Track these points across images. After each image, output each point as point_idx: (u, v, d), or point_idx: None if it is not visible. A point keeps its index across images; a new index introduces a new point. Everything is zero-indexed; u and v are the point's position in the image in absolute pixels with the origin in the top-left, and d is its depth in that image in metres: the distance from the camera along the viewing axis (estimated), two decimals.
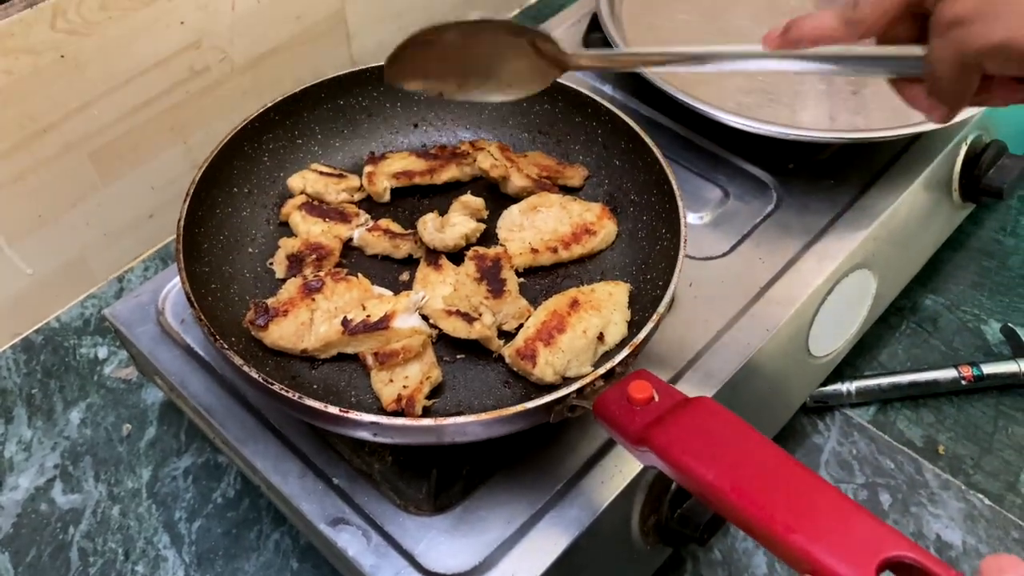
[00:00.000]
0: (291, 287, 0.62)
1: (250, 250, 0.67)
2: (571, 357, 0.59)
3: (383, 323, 0.58)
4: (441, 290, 0.63)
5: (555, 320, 0.60)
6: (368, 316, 0.59)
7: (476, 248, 0.66)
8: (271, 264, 0.66)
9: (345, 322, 0.59)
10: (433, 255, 0.66)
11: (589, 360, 0.60)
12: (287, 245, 0.65)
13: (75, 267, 0.83)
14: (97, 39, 0.73)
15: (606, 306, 0.62)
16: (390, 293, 0.63)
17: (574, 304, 0.62)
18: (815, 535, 0.41)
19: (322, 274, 0.62)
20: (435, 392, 0.59)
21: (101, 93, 0.76)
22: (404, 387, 0.57)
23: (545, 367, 0.58)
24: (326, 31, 0.92)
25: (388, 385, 0.57)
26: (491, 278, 0.64)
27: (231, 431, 0.62)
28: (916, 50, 0.50)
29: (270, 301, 0.61)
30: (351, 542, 0.56)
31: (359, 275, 0.63)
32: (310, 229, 0.66)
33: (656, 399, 0.50)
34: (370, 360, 0.58)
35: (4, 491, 0.73)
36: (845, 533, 0.41)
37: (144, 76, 0.78)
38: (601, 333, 0.61)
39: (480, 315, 0.61)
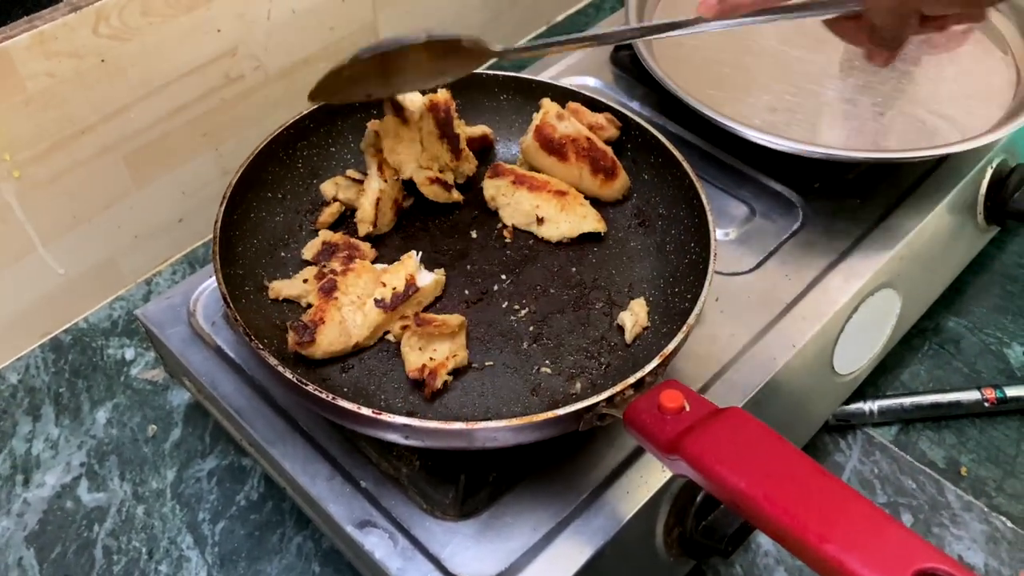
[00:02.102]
0: (313, 299, 0.63)
1: (283, 255, 0.68)
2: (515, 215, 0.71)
3: (411, 288, 0.62)
4: (411, 149, 0.68)
5: (540, 187, 0.70)
6: (395, 288, 0.62)
7: (429, 96, 0.69)
8: (304, 253, 0.68)
9: (379, 303, 0.61)
10: (398, 107, 0.68)
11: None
12: (327, 235, 0.67)
13: (105, 269, 0.85)
14: (137, 44, 0.75)
15: (572, 219, 0.70)
16: (385, 265, 0.65)
17: (561, 194, 0.70)
18: (848, 545, 0.41)
19: (332, 272, 0.63)
20: (458, 374, 0.62)
21: (138, 97, 0.78)
22: (431, 359, 0.59)
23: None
24: (358, 43, 0.93)
25: (417, 353, 0.60)
26: (449, 135, 0.70)
27: (260, 432, 0.63)
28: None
29: (303, 318, 0.61)
30: (378, 545, 0.57)
31: (357, 261, 0.65)
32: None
33: (687, 409, 0.50)
34: (411, 323, 0.60)
35: (31, 488, 0.74)
36: (878, 543, 0.41)
37: (180, 82, 0.80)
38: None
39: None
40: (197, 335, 0.69)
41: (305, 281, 0.64)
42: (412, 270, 0.63)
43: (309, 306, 0.64)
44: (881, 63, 0.56)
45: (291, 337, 0.60)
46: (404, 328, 0.61)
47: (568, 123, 0.70)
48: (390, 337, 0.63)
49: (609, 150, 0.71)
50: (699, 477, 0.47)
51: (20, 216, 0.75)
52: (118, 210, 0.82)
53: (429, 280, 0.63)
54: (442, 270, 0.66)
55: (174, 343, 0.68)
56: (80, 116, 0.75)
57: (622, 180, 0.71)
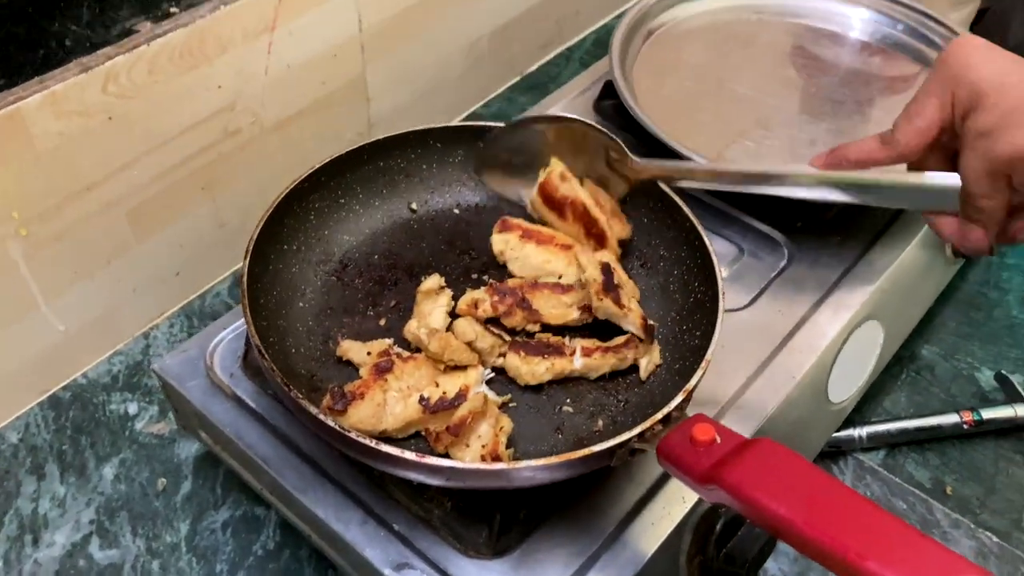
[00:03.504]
0: (364, 371, 0.63)
1: (301, 304, 0.70)
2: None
3: (459, 399, 0.61)
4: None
5: (547, 240, 0.74)
6: (444, 393, 0.61)
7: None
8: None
9: (423, 401, 0.61)
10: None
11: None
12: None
13: (104, 323, 0.84)
14: (143, 102, 0.76)
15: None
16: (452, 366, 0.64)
17: (567, 247, 0.73)
18: (888, 562, 0.44)
19: (398, 355, 0.64)
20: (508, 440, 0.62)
21: (142, 153, 0.78)
22: (483, 446, 0.59)
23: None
24: (347, 95, 0.96)
25: (467, 450, 0.59)
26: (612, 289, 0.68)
27: (289, 480, 0.64)
28: (950, 178, 0.56)
29: (346, 387, 0.62)
30: None
31: (421, 354, 0.65)
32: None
33: (718, 441, 0.53)
34: (445, 438, 0.59)
35: (40, 548, 0.73)
36: (917, 559, 0.44)
37: (182, 137, 0.81)
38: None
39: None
40: (216, 387, 0.69)
41: (368, 354, 0.64)
42: (471, 383, 0.62)
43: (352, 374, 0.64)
44: (976, 243, 0.56)
45: (326, 399, 0.60)
46: (443, 444, 0.60)
47: (568, 185, 0.73)
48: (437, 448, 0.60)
49: (602, 218, 0.72)
50: (738, 504, 0.50)
51: (25, 274, 0.75)
52: (118, 265, 0.82)
53: (477, 397, 0.61)
54: (504, 398, 0.65)
55: (194, 395, 0.69)
56: (86, 173, 0.75)
57: (612, 247, 0.72)
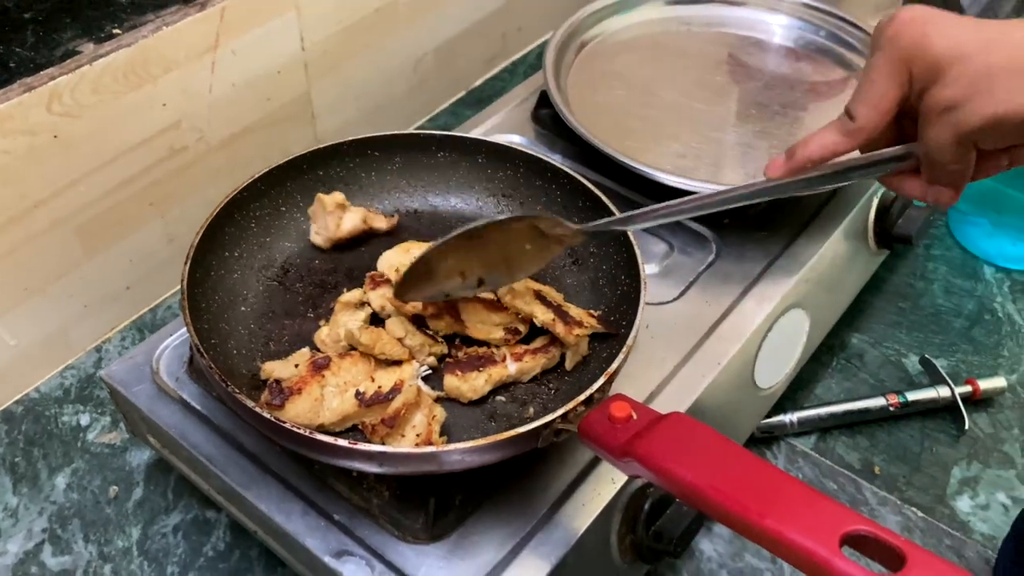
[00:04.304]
0: (302, 367, 0.65)
1: (243, 309, 0.72)
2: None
3: (394, 392, 0.64)
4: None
5: None
6: (380, 387, 0.64)
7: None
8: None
9: (359, 395, 0.63)
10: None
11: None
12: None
13: (56, 338, 0.86)
14: (88, 121, 0.78)
15: None
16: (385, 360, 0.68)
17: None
18: (784, 518, 0.47)
19: (329, 352, 0.67)
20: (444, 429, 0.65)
21: (89, 171, 0.81)
22: (418, 435, 0.62)
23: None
24: (293, 112, 0.99)
25: (402, 440, 0.62)
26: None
27: (234, 477, 0.66)
28: (901, 149, 0.56)
29: (284, 382, 0.64)
30: (356, 572, 0.60)
31: (360, 352, 0.67)
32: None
33: (635, 417, 0.56)
34: (381, 430, 0.62)
35: None
36: (810, 514, 0.47)
37: (128, 155, 0.84)
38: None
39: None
40: (162, 391, 0.72)
41: (296, 366, 0.66)
42: (406, 377, 0.65)
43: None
44: (947, 201, 0.55)
45: (264, 394, 0.63)
46: (379, 436, 0.62)
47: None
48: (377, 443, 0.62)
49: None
50: (651, 475, 0.53)
51: None
52: (69, 280, 0.84)
53: (411, 388, 0.64)
54: (437, 393, 0.67)
55: (141, 400, 0.71)
56: (34, 191, 0.77)
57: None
